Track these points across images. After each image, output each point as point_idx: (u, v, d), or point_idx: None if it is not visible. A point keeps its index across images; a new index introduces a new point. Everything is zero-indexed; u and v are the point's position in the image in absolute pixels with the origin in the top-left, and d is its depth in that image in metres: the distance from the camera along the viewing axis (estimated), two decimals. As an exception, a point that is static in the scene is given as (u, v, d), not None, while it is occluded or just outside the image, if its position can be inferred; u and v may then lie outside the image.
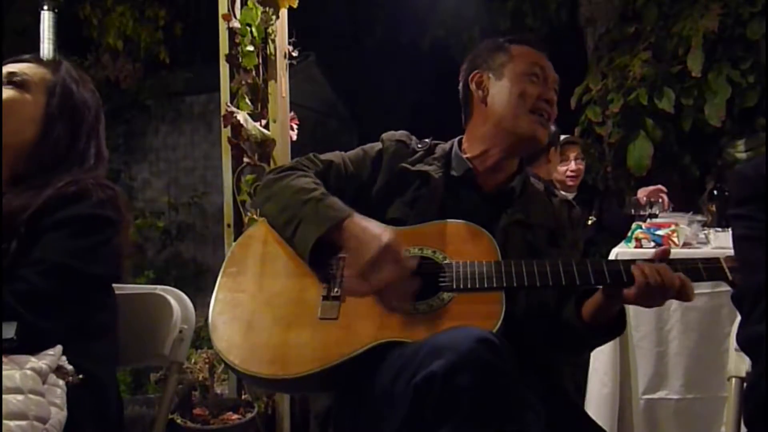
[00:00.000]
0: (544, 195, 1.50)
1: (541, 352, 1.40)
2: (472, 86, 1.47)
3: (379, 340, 1.19)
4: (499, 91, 1.43)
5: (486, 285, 1.24)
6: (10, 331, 1.05)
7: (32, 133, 1.30)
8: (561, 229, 1.46)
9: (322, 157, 1.50)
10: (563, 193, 1.57)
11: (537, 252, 1.38)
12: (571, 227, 1.48)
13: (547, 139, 1.45)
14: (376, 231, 1.25)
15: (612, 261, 1.27)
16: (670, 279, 1.20)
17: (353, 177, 1.46)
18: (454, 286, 1.25)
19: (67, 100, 1.35)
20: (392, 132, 1.53)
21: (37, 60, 1.37)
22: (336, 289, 1.28)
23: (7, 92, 1.30)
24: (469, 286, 1.24)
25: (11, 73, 1.32)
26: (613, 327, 1.33)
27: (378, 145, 1.50)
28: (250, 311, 1.29)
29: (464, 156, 1.47)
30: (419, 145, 1.50)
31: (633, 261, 1.25)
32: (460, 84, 1.52)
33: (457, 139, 1.53)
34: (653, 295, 1.21)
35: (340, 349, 1.19)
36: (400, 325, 1.21)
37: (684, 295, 1.21)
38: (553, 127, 2.68)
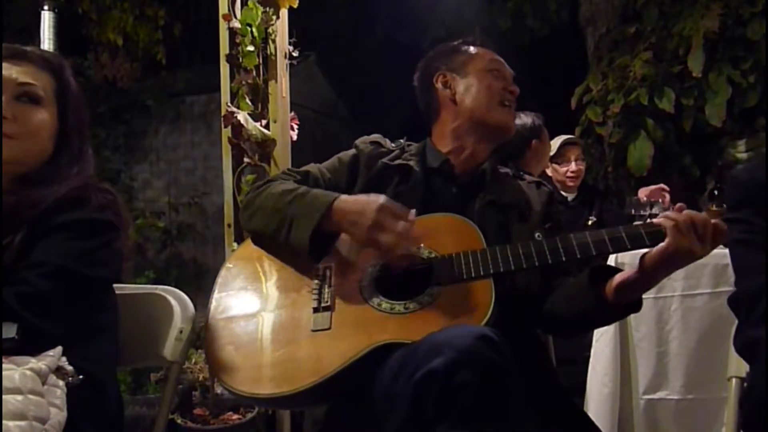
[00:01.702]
0: (512, 178, 1.56)
1: (536, 338, 1.42)
2: (438, 86, 1.53)
3: (373, 344, 1.19)
4: (467, 87, 1.50)
5: (473, 274, 1.24)
6: (11, 330, 1.05)
7: (50, 147, 1.28)
8: (531, 207, 1.49)
9: (298, 169, 1.53)
10: (529, 176, 1.62)
11: (509, 230, 1.42)
12: (540, 204, 1.51)
13: (514, 128, 1.54)
14: (366, 198, 1.29)
15: (595, 232, 1.26)
16: (702, 217, 1.15)
17: (331, 185, 1.49)
18: (442, 280, 1.25)
19: (76, 107, 1.32)
20: (365, 137, 1.58)
21: (39, 61, 1.29)
22: (326, 300, 1.29)
23: (28, 110, 1.24)
24: (456, 277, 1.25)
25: (25, 85, 1.24)
26: (633, 305, 1.31)
27: (352, 151, 1.54)
28: (243, 333, 1.30)
29: (438, 151, 1.52)
30: (393, 145, 1.56)
31: (616, 230, 1.24)
32: (420, 88, 1.59)
33: (426, 139, 1.58)
34: (689, 242, 1.15)
35: (335, 359, 1.19)
36: (392, 326, 1.21)
37: (720, 234, 1.16)
38: (528, 119, 2.68)
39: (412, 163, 1.48)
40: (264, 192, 1.42)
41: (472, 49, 1.55)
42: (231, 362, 1.26)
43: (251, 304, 1.35)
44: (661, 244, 1.18)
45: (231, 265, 1.44)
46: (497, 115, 1.48)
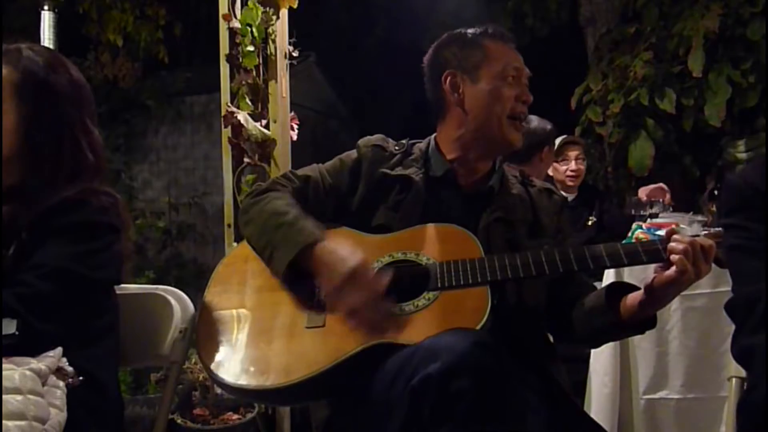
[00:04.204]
0: (521, 188, 1.50)
1: (540, 344, 1.41)
2: (446, 87, 1.43)
3: (366, 343, 1.18)
4: (476, 96, 1.41)
5: (470, 281, 1.24)
6: (11, 326, 1.05)
7: (13, 144, 1.20)
8: (542, 220, 1.46)
9: (299, 172, 1.49)
10: (539, 182, 1.57)
11: (518, 247, 1.38)
12: (552, 215, 1.48)
13: (521, 142, 1.45)
14: (342, 255, 1.23)
15: (593, 247, 1.27)
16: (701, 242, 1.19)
17: (332, 189, 1.46)
18: (438, 285, 1.25)
19: (40, 96, 1.21)
20: (368, 138, 1.52)
21: None
22: (321, 298, 1.28)
23: None
24: (453, 283, 1.24)
25: None
26: (647, 322, 1.33)
27: (354, 154, 1.49)
28: (235, 327, 1.30)
29: (442, 157, 1.46)
30: (396, 148, 1.49)
31: (614, 246, 1.27)
32: (428, 80, 1.49)
33: (432, 137, 1.51)
34: (692, 264, 1.18)
35: (327, 356, 1.19)
36: (387, 327, 1.20)
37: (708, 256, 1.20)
38: (548, 125, 2.67)
39: (412, 171, 1.43)
40: (261, 203, 1.40)
41: (488, 44, 1.43)
42: (221, 354, 1.26)
43: (246, 299, 1.35)
44: (668, 273, 1.20)
45: (228, 262, 1.44)
46: (505, 131, 1.40)
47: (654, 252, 1.23)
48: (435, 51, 1.49)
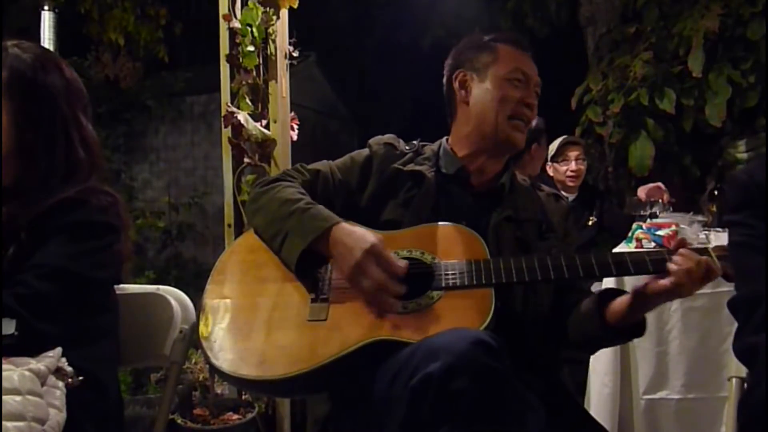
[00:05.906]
0: (530, 190, 1.52)
1: (543, 348, 1.41)
2: (455, 85, 1.48)
3: (368, 339, 1.19)
4: (480, 93, 1.45)
5: (475, 282, 1.24)
6: (10, 326, 1.05)
7: (5, 143, 1.19)
8: (549, 222, 1.47)
9: (309, 167, 1.50)
10: (547, 188, 1.59)
11: (527, 246, 1.40)
12: (559, 218, 1.50)
13: (524, 143, 1.47)
14: (360, 235, 1.27)
15: (600, 254, 1.28)
16: (705, 261, 1.19)
17: (342, 185, 1.47)
18: (443, 285, 1.25)
19: (29, 94, 1.20)
20: (379, 137, 1.54)
21: None
22: (324, 292, 1.29)
23: None
24: (457, 283, 1.25)
25: None
26: (635, 329, 1.33)
27: (365, 151, 1.51)
28: (237, 317, 1.30)
29: (454, 156, 1.48)
30: (407, 147, 1.52)
31: (621, 255, 1.27)
32: (444, 82, 1.53)
33: (444, 138, 1.54)
34: (691, 281, 1.19)
35: (328, 350, 1.19)
36: (389, 324, 1.21)
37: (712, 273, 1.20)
38: (534, 122, 2.67)
39: (424, 168, 1.45)
40: (272, 191, 1.41)
41: (500, 48, 1.46)
42: (222, 343, 1.26)
43: (248, 290, 1.34)
44: (663, 283, 1.20)
45: (233, 251, 1.44)
46: (503, 129, 1.42)
47: (661, 263, 1.23)
48: (453, 54, 1.54)
